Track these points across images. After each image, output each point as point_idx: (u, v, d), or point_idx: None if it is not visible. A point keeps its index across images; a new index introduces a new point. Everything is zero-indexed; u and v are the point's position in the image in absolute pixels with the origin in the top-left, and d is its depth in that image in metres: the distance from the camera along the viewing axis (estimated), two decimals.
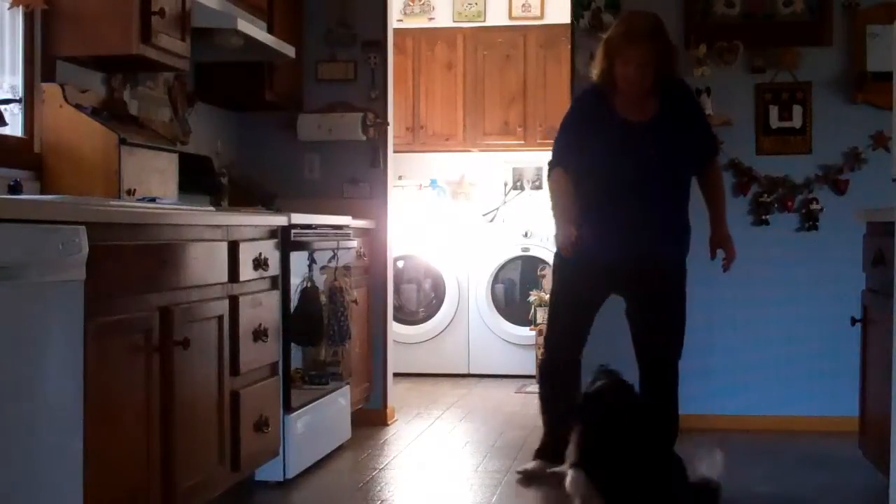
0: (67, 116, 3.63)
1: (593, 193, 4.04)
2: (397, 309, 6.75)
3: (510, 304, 7.13)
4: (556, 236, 4.09)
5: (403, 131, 7.38)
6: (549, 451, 4.15)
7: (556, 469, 3.96)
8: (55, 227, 2.36)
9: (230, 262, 3.52)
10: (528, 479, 4.18)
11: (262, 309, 3.80)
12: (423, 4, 7.83)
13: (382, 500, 3.91)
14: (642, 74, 3.88)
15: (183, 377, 3.14)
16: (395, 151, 5.84)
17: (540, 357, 4.35)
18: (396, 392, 5.68)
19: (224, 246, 3.49)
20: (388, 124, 5.48)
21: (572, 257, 4.01)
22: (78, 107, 3.67)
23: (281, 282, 4.04)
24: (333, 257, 4.51)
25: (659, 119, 3.99)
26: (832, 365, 4.97)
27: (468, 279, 7.09)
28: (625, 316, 4.11)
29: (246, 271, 3.65)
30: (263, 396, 3.84)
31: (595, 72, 4.03)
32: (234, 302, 3.55)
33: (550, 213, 4.16)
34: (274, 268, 3.95)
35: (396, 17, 6.91)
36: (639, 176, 3.96)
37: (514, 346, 6.96)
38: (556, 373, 4.19)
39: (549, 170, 4.17)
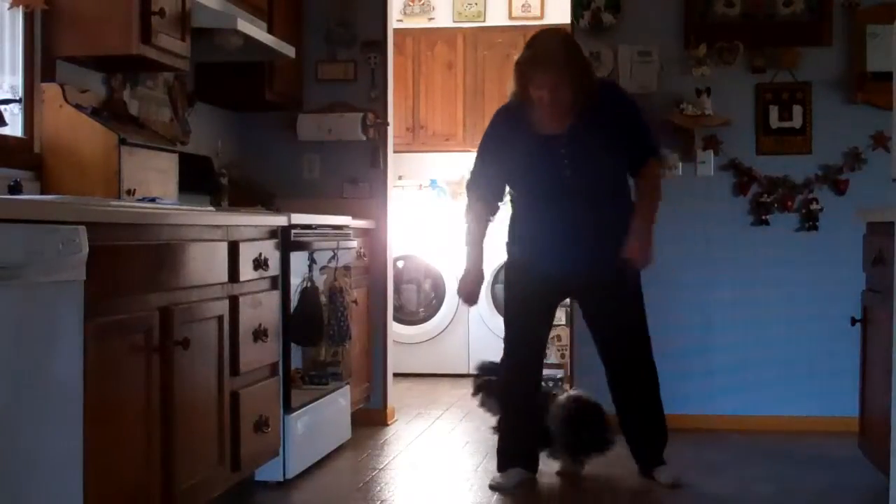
0: (67, 116, 3.63)
1: (520, 208, 4.09)
2: (397, 309, 6.75)
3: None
4: (461, 277, 4.17)
5: (403, 131, 7.39)
6: (524, 458, 4.17)
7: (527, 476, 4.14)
8: (55, 227, 2.36)
9: (230, 262, 3.52)
10: (503, 491, 4.05)
11: (262, 309, 3.80)
12: (423, 4, 7.83)
13: (382, 500, 3.91)
14: (555, 97, 3.84)
15: (183, 377, 3.14)
16: (395, 151, 5.84)
17: (504, 374, 4.28)
18: (396, 392, 5.68)
19: (224, 246, 3.49)
20: (388, 124, 5.48)
21: (516, 276, 4.10)
22: (78, 107, 3.67)
23: (281, 282, 4.04)
24: (333, 257, 4.51)
25: (575, 128, 3.93)
26: (832, 365, 4.97)
27: None
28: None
29: (246, 271, 3.65)
30: (263, 396, 3.84)
31: (510, 92, 3.99)
32: (234, 302, 3.55)
33: (513, 237, 4.19)
34: (274, 268, 3.95)
35: (396, 17, 6.91)
36: (558, 188, 3.95)
37: None
38: (521, 385, 4.19)
39: (467, 197, 4.20)
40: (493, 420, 4.42)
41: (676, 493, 3.99)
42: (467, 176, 7.98)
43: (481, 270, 4.16)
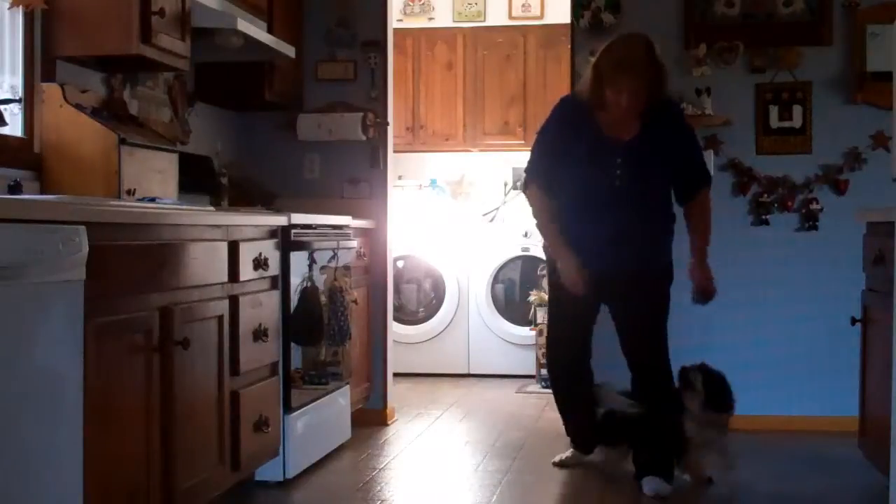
0: (67, 116, 3.63)
1: (565, 207, 4.04)
2: (397, 309, 6.75)
3: (510, 304, 7.13)
4: (562, 271, 4.04)
5: (403, 131, 7.38)
6: (578, 442, 4.41)
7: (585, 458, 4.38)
8: (55, 227, 2.36)
9: (230, 262, 3.52)
10: (563, 466, 4.41)
11: (262, 309, 3.80)
12: (423, 4, 7.83)
13: (382, 500, 3.91)
14: (634, 102, 3.82)
15: (183, 377, 3.14)
16: (395, 151, 5.84)
17: (546, 372, 4.55)
18: (396, 392, 5.68)
19: (224, 246, 3.49)
20: (388, 124, 5.48)
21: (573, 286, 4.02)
22: (78, 107, 3.67)
23: (281, 282, 4.04)
24: (333, 257, 4.51)
25: (638, 140, 3.93)
26: (832, 365, 4.97)
27: (468, 279, 7.09)
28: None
29: (246, 271, 3.65)
30: (263, 396, 3.84)
31: (583, 90, 3.95)
32: (234, 302, 3.55)
33: (540, 233, 4.20)
34: (274, 268, 3.95)
35: (396, 17, 6.91)
36: (606, 195, 3.94)
37: (514, 346, 6.96)
38: (566, 379, 4.32)
39: (526, 182, 4.13)
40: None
41: (676, 494, 3.99)
42: (467, 176, 8.03)
43: (577, 255, 4.02)
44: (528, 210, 4.15)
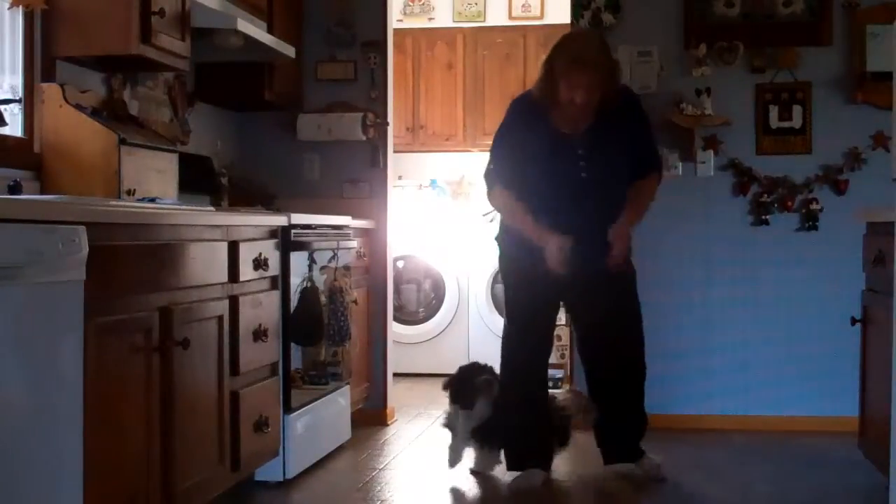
0: (67, 116, 3.63)
1: (533, 206, 3.97)
2: (397, 309, 6.75)
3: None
4: (550, 253, 3.90)
5: (403, 131, 7.38)
6: (540, 456, 4.16)
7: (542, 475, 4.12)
8: (55, 227, 2.36)
9: (230, 262, 3.52)
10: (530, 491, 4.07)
11: (262, 309, 3.80)
12: (423, 4, 7.83)
13: (382, 500, 3.91)
14: (587, 99, 3.82)
15: (183, 377, 3.14)
16: (395, 151, 5.84)
17: (503, 373, 4.25)
18: (396, 392, 5.68)
19: (224, 246, 3.49)
20: (388, 124, 5.48)
21: (529, 271, 3.98)
22: (78, 107, 3.67)
23: (281, 282, 4.04)
24: (333, 257, 4.51)
25: (592, 131, 3.93)
26: (832, 365, 4.97)
27: (468, 279, 7.09)
28: (570, 324, 4.22)
29: (246, 271, 3.65)
30: (263, 396, 3.84)
31: (535, 88, 3.95)
32: (234, 302, 3.55)
33: (507, 229, 4.10)
34: (274, 268, 3.95)
35: (396, 17, 6.91)
36: (573, 188, 3.93)
37: None
38: (529, 384, 4.16)
39: (489, 185, 4.08)
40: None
41: (676, 494, 3.99)
42: (467, 176, 8.03)
43: (559, 234, 3.90)
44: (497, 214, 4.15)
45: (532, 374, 4.17)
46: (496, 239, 4.21)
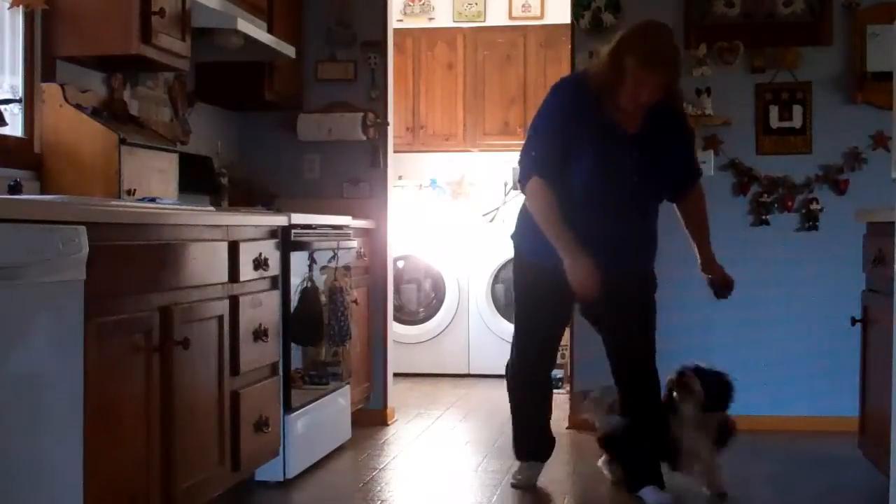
0: (67, 116, 3.63)
1: (566, 204, 3.69)
2: (397, 309, 6.75)
3: (510, 304, 7.09)
4: (572, 272, 3.65)
5: (403, 131, 7.39)
6: (539, 450, 4.15)
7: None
8: (55, 227, 2.36)
9: (230, 262, 3.52)
10: (526, 488, 4.07)
11: (262, 309, 3.80)
12: (423, 4, 7.83)
13: (382, 500, 3.91)
14: (652, 97, 3.59)
15: (183, 377, 3.14)
16: (395, 151, 5.84)
17: (511, 375, 4.11)
18: (396, 392, 5.68)
19: (224, 246, 3.49)
20: (388, 124, 5.48)
21: (543, 281, 3.77)
22: (78, 107, 3.67)
23: (281, 282, 4.04)
24: (333, 257, 4.51)
25: (646, 133, 3.70)
26: (832, 365, 4.97)
27: (468, 279, 7.09)
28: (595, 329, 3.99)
29: (246, 271, 3.65)
30: (263, 396, 3.84)
31: (594, 72, 3.66)
32: (234, 302, 3.55)
33: (527, 227, 3.81)
34: (274, 268, 3.95)
35: (396, 17, 6.91)
36: (615, 188, 3.68)
37: None
38: (534, 387, 4.08)
39: (527, 175, 3.73)
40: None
41: (675, 494, 3.98)
42: (467, 176, 8.01)
43: (590, 257, 3.64)
44: (525, 206, 3.82)
45: (534, 384, 4.07)
46: (512, 237, 3.98)
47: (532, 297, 3.92)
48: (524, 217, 3.85)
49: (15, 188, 3.32)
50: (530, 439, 4.15)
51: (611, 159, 3.66)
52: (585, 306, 3.93)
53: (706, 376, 3.97)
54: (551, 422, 4.18)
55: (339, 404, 4.71)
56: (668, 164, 3.78)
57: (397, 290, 6.84)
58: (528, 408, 4.12)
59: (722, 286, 3.94)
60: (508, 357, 4.13)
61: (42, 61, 3.66)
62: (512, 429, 4.20)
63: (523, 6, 7.72)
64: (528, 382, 4.07)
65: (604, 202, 3.69)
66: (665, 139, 3.75)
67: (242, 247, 3.61)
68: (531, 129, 3.76)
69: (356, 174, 5.47)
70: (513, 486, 4.08)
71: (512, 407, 4.15)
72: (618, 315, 3.85)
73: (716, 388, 3.97)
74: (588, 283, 3.65)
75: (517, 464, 4.16)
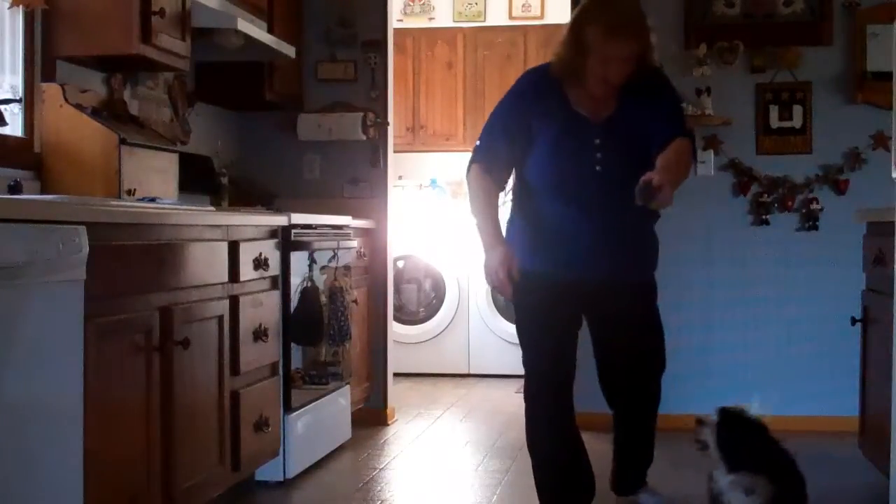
0: (67, 116, 3.63)
1: (530, 203, 3.39)
2: (397, 309, 6.75)
3: (510, 304, 7.10)
4: (486, 268, 3.28)
5: (403, 131, 7.39)
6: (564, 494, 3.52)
7: None
8: (55, 227, 2.36)
9: (230, 262, 3.52)
10: None
11: (262, 309, 3.80)
12: (423, 4, 7.83)
13: (382, 500, 3.91)
14: (622, 74, 3.18)
15: (183, 377, 3.14)
16: (395, 151, 5.84)
17: (528, 397, 3.53)
18: (396, 392, 5.68)
19: (224, 246, 3.49)
20: (388, 124, 5.48)
21: (513, 289, 3.27)
22: (78, 107, 3.67)
23: (281, 282, 4.04)
24: (333, 257, 4.51)
25: (616, 116, 3.29)
26: (832, 365, 4.97)
27: (468, 279, 7.09)
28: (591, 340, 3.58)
29: (246, 271, 3.65)
30: (263, 396, 3.84)
31: (554, 58, 3.30)
32: (234, 302, 3.55)
33: (511, 224, 3.48)
34: (274, 268, 3.95)
35: (396, 17, 6.91)
36: (585, 183, 3.29)
37: (515, 346, 6.77)
38: (557, 401, 3.46)
39: (469, 163, 3.42)
40: None
41: (675, 494, 3.98)
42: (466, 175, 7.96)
43: (508, 246, 3.27)
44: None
45: (556, 396, 3.46)
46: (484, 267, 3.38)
47: (531, 305, 3.45)
48: (510, 223, 3.51)
49: (15, 188, 3.32)
50: (555, 482, 3.50)
51: (572, 148, 3.29)
52: (587, 310, 3.51)
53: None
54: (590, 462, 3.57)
55: (339, 404, 4.71)
56: (645, 149, 3.21)
57: (397, 290, 6.84)
58: (551, 440, 3.49)
59: (646, 182, 2.98)
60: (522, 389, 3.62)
61: (42, 61, 3.66)
62: (533, 474, 3.55)
63: (523, 6, 7.72)
64: (546, 403, 3.46)
65: (576, 195, 3.31)
66: (642, 118, 3.28)
67: (242, 247, 3.61)
68: (486, 120, 3.51)
69: (356, 174, 5.47)
70: None
71: (529, 443, 3.52)
72: (605, 328, 3.53)
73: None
74: (498, 276, 3.24)
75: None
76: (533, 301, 3.42)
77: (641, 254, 3.52)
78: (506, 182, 3.44)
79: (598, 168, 3.29)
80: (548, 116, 3.31)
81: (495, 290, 3.44)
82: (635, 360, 3.54)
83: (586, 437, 3.57)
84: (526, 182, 3.41)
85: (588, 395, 3.80)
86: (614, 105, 3.30)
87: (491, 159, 3.38)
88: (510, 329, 7.02)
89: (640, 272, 3.53)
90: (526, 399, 3.52)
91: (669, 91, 3.42)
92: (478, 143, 3.47)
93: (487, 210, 3.34)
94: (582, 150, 3.29)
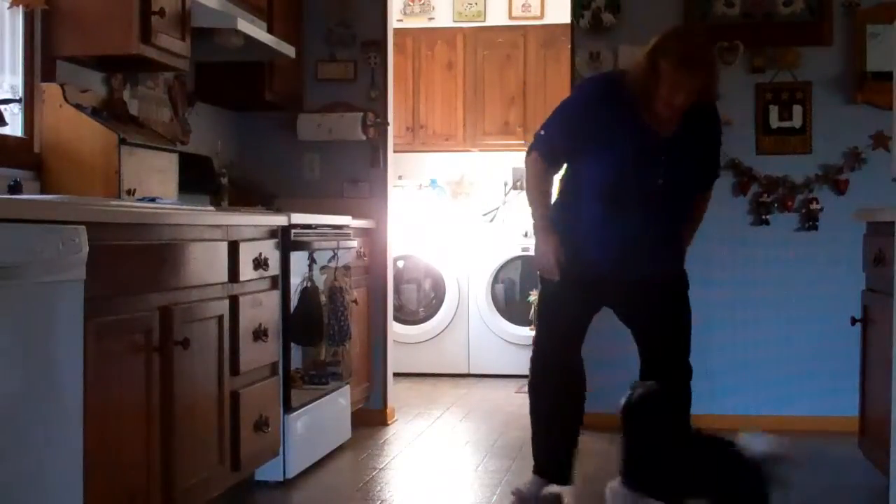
0: (67, 116, 3.63)
1: (579, 198, 3.65)
2: (397, 309, 6.75)
3: (510, 303, 7.13)
4: (537, 252, 3.67)
5: (403, 131, 7.39)
6: (549, 470, 3.84)
7: (553, 490, 3.83)
8: (55, 227, 2.36)
9: (230, 262, 3.52)
10: (522, 500, 3.83)
11: (262, 309, 3.80)
12: (423, 4, 7.83)
13: (382, 500, 3.91)
14: (688, 102, 3.48)
15: (183, 377, 3.14)
16: (395, 151, 5.84)
17: (531, 372, 3.86)
18: (396, 392, 5.68)
19: (224, 246, 3.49)
20: (388, 124, 5.48)
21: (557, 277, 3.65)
22: (78, 107, 3.67)
23: (281, 282, 4.04)
24: (333, 257, 4.51)
25: (679, 137, 3.59)
26: (832, 365, 4.97)
27: (468, 279, 7.09)
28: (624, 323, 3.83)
29: (246, 271, 3.65)
30: (263, 396, 3.84)
31: (631, 77, 3.55)
32: (234, 302, 3.55)
33: (528, 202, 3.77)
34: (274, 268, 3.95)
35: (396, 17, 6.91)
36: (642, 193, 3.58)
37: (514, 345, 6.95)
38: (558, 383, 3.81)
39: (531, 148, 3.71)
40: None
41: None
42: (467, 176, 8.01)
43: (559, 235, 3.64)
44: (528, 210, 3.75)
45: (562, 371, 3.81)
46: (536, 252, 3.80)
47: (561, 291, 3.73)
48: (555, 212, 3.74)
49: (15, 188, 3.32)
50: (547, 449, 3.85)
51: (640, 163, 3.57)
52: (617, 305, 3.80)
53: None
54: (579, 441, 3.89)
55: (339, 404, 4.71)
56: (697, 167, 3.69)
57: (397, 290, 6.84)
58: (550, 408, 3.82)
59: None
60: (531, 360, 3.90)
61: (42, 61, 3.66)
62: (531, 436, 3.89)
63: (523, 6, 7.72)
64: (555, 370, 3.80)
65: (633, 203, 3.59)
66: (698, 141, 3.66)
67: (242, 247, 3.61)
68: (552, 114, 3.74)
69: (356, 174, 5.47)
70: (512, 493, 3.87)
71: (531, 407, 3.87)
72: (650, 315, 3.77)
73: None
74: (545, 261, 3.64)
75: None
76: (561, 291, 3.70)
77: (676, 249, 3.81)
78: (557, 172, 3.75)
79: (660, 181, 3.59)
80: (619, 125, 3.56)
81: (543, 272, 3.72)
82: (671, 349, 3.83)
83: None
84: (578, 180, 3.67)
85: (589, 395, 3.87)
86: (675, 126, 3.58)
87: (550, 151, 3.68)
88: (510, 329, 7.03)
89: (674, 265, 3.81)
90: (536, 376, 3.84)
91: (719, 128, 3.76)
92: (541, 132, 3.71)
93: (542, 199, 3.70)
94: (649, 162, 3.57)
